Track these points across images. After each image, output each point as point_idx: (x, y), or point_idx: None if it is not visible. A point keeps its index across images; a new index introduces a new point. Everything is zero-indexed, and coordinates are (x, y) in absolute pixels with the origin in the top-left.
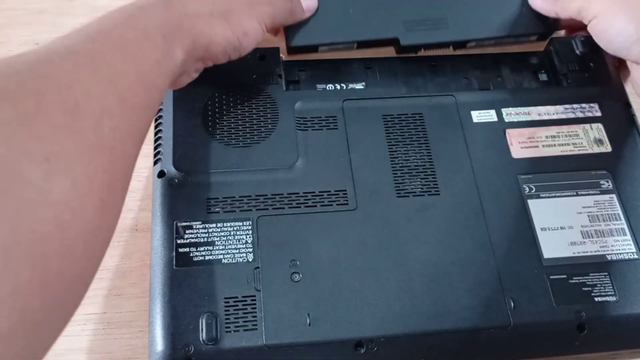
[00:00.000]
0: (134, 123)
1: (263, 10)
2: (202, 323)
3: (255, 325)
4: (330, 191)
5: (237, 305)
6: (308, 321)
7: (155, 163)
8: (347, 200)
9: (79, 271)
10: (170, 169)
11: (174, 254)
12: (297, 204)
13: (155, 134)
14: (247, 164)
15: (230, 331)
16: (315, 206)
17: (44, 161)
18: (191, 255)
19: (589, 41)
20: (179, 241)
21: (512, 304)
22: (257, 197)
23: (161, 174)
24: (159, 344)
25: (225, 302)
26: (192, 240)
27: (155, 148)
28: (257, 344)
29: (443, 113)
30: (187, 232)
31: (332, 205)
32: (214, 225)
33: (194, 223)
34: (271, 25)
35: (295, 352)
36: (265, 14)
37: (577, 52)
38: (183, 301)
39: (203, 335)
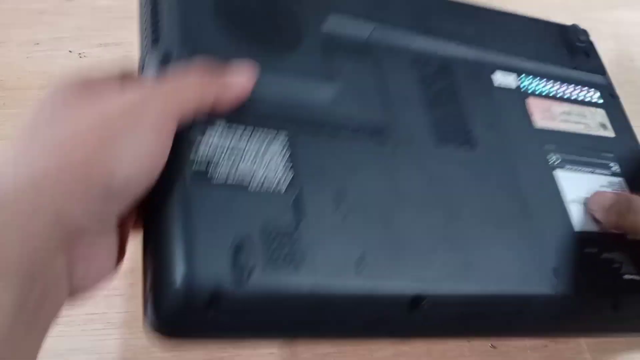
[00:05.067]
0: None
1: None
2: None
3: (297, 265)
4: (366, 124)
5: (274, 239)
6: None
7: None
8: (384, 140)
9: None
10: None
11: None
12: (333, 129)
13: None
14: (273, 71)
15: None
16: (354, 136)
17: None
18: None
19: (585, 33)
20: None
21: (554, 276)
22: (288, 114)
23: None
24: (175, 283)
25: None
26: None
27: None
28: (299, 290)
29: (470, 69)
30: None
31: (368, 140)
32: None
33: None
34: None
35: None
36: None
37: (578, 39)
38: (204, 230)
39: (229, 276)
